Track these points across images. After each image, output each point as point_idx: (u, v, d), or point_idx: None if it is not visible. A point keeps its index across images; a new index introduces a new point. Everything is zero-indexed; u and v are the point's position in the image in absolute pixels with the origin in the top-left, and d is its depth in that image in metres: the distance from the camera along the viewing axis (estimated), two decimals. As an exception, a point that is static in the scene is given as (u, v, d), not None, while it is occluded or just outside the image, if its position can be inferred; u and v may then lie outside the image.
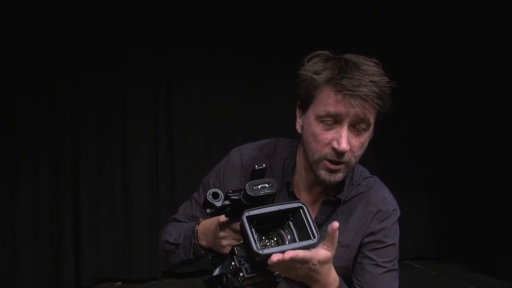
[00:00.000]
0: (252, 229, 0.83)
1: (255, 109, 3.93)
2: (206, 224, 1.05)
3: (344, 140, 1.03)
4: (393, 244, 1.17)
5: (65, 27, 3.52)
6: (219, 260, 0.97)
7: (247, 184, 0.87)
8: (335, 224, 0.87)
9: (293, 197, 1.15)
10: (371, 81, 1.01)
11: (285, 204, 0.86)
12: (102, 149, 3.69)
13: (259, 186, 0.87)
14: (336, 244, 0.89)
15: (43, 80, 3.53)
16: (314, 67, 1.06)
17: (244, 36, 3.84)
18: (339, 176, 1.08)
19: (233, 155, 1.24)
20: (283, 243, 0.86)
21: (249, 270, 0.86)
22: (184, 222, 1.24)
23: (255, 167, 0.89)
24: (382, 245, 1.16)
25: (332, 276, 0.95)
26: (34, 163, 3.52)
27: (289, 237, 0.86)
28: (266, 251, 0.82)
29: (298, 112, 1.14)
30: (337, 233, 0.87)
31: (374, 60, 1.07)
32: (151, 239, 3.73)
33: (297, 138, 1.20)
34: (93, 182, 3.66)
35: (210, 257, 1.06)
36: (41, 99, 3.54)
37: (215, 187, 1.21)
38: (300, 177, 1.18)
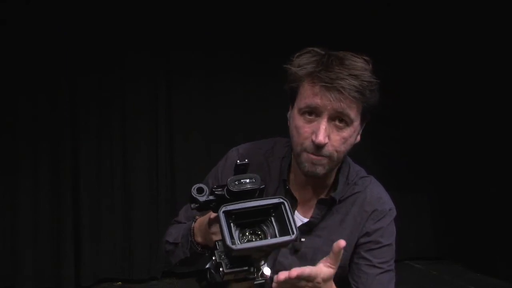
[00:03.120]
0: (231, 223, 0.83)
1: (255, 109, 3.93)
2: (201, 221, 1.05)
3: (321, 133, 1.03)
4: (389, 245, 1.17)
5: (65, 27, 3.52)
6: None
7: (229, 179, 0.86)
8: (342, 242, 0.87)
9: (290, 195, 1.16)
10: (350, 74, 1.01)
11: (265, 199, 0.85)
12: (102, 149, 3.69)
13: (241, 181, 0.86)
14: (339, 262, 0.88)
15: (43, 80, 3.52)
16: (299, 61, 1.07)
17: (244, 36, 3.84)
18: (320, 169, 1.08)
19: (231, 155, 1.24)
20: (265, 238, 0.85)
21: (228, 265, 0.85)
22: (185, 223, 1.24)
23: (237, 162, 0.87)
24: (378, 245, 1.15)
25: None
26: (34, 163, 3.51)
27: (271, 231, 0.86)
28: (239, 246, 0.81)
29: (290, 108, 1.16)
30: (342, 252, 0.87)
31: (364, 57, 1.06)
32: (151, 239, 3.73)
33: None
34: (93, 182, 3.66)
35: (207, 254, 1.06)
36: (41, 99, 3.54)
37: (220, 184, 1.21)
38: (295, 175, 1.18)
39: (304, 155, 1.07)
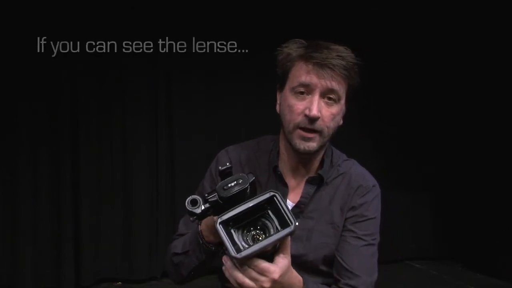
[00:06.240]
0: (231, 230, 0.85)
1: (255, 109, 3.92)
2: (208, 221, 1.06)
3: (315, 107, 1.13)
4: (374, 218, 1.23)
5: (65, 27, 3.51)
6: None
7: (217, 186, 0.87)
8: None
9: (281, 180, 1.23)
10: (337, 55, 1.14)
11: (256, 198, 0.87)
12: (102, 149, 3.69)
13: (228, 185, 0.87)
14: (289, 250, 0.92)
15: (43, 80, 3.52)
16: (289, 48, 1.20)
17: (244, 36, 3.83)
18: (312, 145, 1.16)
19: (221, 155, 1.31)
20: (268, 232, 0.87)
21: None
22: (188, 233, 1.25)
23: (219, 168, 0.90)
24: (363, 218, 1.22)
25: (295, 279, 0.99)
26: (34, 163, 3.51)
27: (272, 224, 0.87)
28: (243, 253, 0.82)
29: (278, 95, 1.26)
30: (288, 240, 0.91)
31: (345, 47, 1.19)
32: (151, 239, 3.74)
33: None
34: (93, 182, 3.65)
35: (220, 252, 1.07)
36: (41, 99, 3.53)
37: (211, 189, 1.22)
38: (285, 162, 1.25)
39: (297, 132, 1.16)
